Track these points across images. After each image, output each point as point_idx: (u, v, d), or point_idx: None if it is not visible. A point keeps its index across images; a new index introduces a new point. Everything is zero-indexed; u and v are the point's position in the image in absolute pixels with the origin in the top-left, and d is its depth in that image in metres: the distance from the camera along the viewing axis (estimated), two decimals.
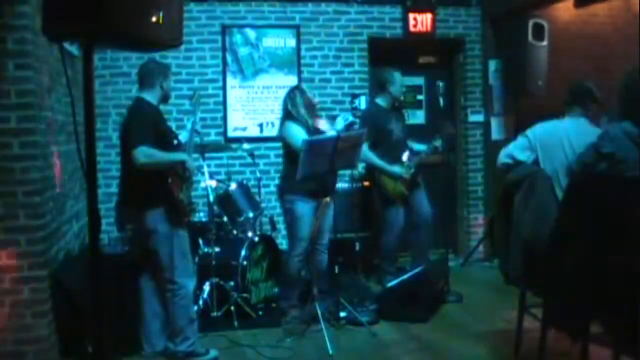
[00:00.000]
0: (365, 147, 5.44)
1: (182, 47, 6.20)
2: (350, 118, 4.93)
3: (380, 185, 5.84)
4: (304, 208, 4.84)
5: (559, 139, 3.88)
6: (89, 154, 2.25)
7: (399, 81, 5.81)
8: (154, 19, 2.22)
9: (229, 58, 6.56)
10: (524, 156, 3.95)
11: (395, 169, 5.73)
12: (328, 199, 4.89)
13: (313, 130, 4.88)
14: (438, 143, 5.73)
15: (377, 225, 6.12)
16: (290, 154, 4.84)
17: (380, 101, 5.91)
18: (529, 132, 4.02)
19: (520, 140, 4.05)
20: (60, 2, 2.07)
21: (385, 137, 5.77)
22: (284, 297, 5.05)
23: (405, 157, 5.78)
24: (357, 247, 5.27)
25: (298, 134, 4.75)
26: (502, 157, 4.06)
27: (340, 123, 4.88)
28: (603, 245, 3.01)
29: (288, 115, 4.93)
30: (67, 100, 4.85)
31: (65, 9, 2.07)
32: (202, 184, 5.31)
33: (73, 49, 4.86)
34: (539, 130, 3.98)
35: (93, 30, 2.10)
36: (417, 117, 7.18)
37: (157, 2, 2.18)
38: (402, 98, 5.91)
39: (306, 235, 4.86)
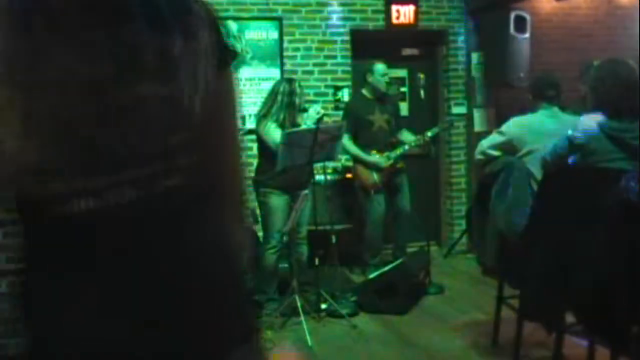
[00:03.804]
0: (345, 137, 5.51)
1: None
2: (321, 112, 4.91)
3: (356, 174, 5.88)
4: (277, 201, 4.88)
5: (536, 132, 3.91)
6: None
7: (379, 71, 5.81)
8: None
9: None
10: (497, 153, 4.01)
11: (371, 157, 5.74)
12: (306, 191, 4.89)
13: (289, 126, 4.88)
14: (428, 137, 5.74)
15: (359, 217, 6.14)
16: (264, 148, 4.87)
17: (365, 92, 5.95)
18: (504, 128, 4.06)
19: (495, 137, 4.10)
20: None
21: (364, 127, 5.79)
22: (261, 290, 5.06)
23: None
24: (334, 240, 5.28)
25: (275, 134, 4.76)
26: (477, 154, 4.15)
27: (312, 117, 4.87)
28: (574, 237, 3.04)
29: (267, 111, 4.93)
30: None
31: None
32: None
33: None
34: (514, 126, 4.01)
35: None
36: (401, 109, 7.17)
37: None
38: (384, 89, 5.88)
39: (279, 228, 4.88)
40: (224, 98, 1.09)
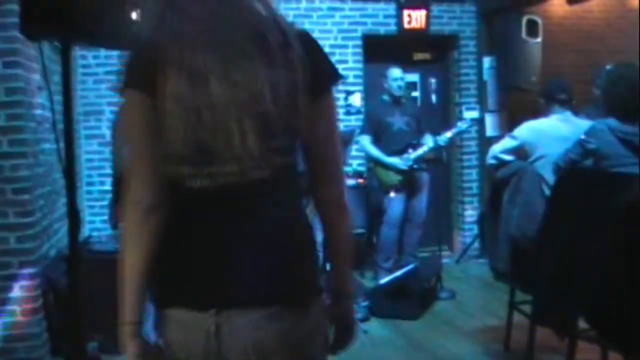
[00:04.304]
0: (366, 140, 5.76)
1: None
2: None
3: (376, 175, 5.91)
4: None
5: (548, 137, 3.89)
6: (67, 151, 2.26)
7: (391, 76, 5.85)
8: (132, 16, 2.23)
9: None
10: (509, 158, 4.00)
11: (390, 159, 5.75)
12: None
13: None
14: (443, 141, 5.76)
15: (371, 222, 6.14)
16: None
17: (384, 95, 6.00)
18: (516, 132, 4.05)
19: (507, 141, 4.08)
20: (35, 2, 2.09)
21: (383, 129, 5.83)
22: None
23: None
24: None
25: None
26: (489, 158, 4.13)
27: None
28: (586, 241, 3.01)
29: None
30: (59, 98, 4.86)
31: (41, 9, 2.08)
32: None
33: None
34: (526, 130, 3.99)
35: (69, 29, 2.11)
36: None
37: None
38: (399, 93, 5.89)
39: None
40: (320, 115, 1.48)
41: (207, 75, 1.36)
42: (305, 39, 1.47)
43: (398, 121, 5.83)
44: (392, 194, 5.79)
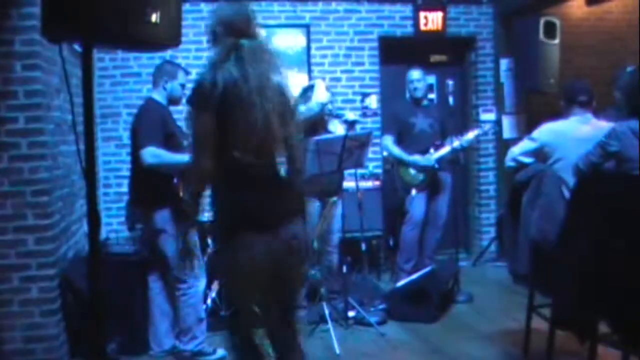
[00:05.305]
0: (389, 140, 5.79)
1: (192, 47, 6.27)
2: (350, 117, 4.90)
3: (399, 174, 5.89)
4: (309, 209, 4.85)
5: (568, 139, 3.86)
6: (88, 154, 2.26)
7: (408, 77, 5.88)
8: (153, 18, 2.22)
9: None
10: (529, 160, 3.97)
11: (412, 158, 5.73)
12: (335, 198, 4.88)
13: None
14: (467, 142, 5.77)
15: (394, 223, 6.13)
16: None
17: (407, 96, 6.02)
18: (535, 134, 4.01)
19: (527, 143, 4.04)
20: (57, 4, 2.09)
21: (406, 130, 5.83)
22: None
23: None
24: (364, 247, 5.27)
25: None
26: (508, 161, 4.10)
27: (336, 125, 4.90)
28: (608, 245, 2.98)
29: None
30: (76, 100, 4.88)
31: (62, 11, 2.08)
32: None
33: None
34: (545, 132, 3.96)
35: (90, 32, 2.11)
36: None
37: (153, 2, 2.19)
38: (416, 95, 5.85)
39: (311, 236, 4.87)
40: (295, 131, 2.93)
41: (252, 106, 2.69)
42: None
43: (421, 122, 5.81)
44: (414, 192, 5.77)
